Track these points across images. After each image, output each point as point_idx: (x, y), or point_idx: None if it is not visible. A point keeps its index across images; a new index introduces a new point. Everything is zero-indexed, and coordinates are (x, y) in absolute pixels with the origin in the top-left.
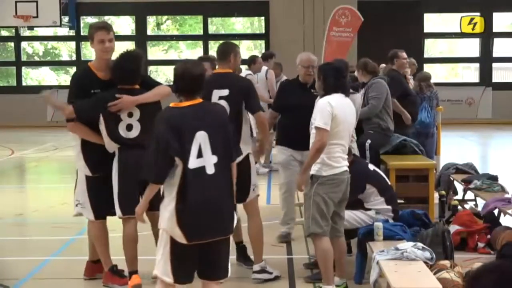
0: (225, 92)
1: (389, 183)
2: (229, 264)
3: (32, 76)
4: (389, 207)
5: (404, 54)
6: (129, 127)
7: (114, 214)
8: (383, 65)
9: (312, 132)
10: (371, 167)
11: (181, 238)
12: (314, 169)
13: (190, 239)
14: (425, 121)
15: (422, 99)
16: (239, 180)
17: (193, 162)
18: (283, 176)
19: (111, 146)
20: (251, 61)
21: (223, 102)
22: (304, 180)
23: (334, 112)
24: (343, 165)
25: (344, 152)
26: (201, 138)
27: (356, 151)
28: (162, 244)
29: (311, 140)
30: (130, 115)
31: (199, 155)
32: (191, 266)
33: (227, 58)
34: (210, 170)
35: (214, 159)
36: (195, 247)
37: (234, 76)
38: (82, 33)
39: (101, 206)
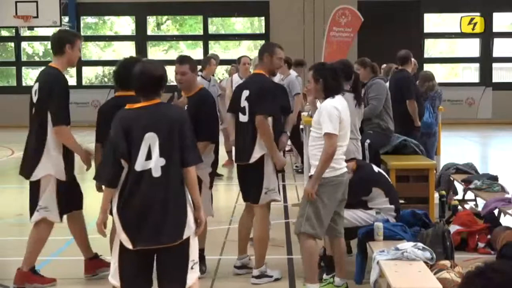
0: (247, 93)
1: (391, 182)
2: (191, 274)
3: (32, 76)
4: (392, 206)
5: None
6: None
7: (71, 211)
8: (384, 65)
9: (316, 136)
10: (376, 169)
11: (127, 243)
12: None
13: (135, 244)
14: (427, 121)
15: (424, 99)
16: (250, 181)
17: (140, 164)
18: None
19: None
20: (206, 63)
21: (245, 103)
22: (315, 189)
23: (341, 116)
24: (344, 166)
25: (344, 153)
26: (150, 139)
27: (359, 150)
28: (114, 246)
29: (311, 143)
30: None
31: (148, 157)
32: (140, 272)
33: (261, 59)
34: (156, 172)
35: (162, 161)
36: (144, 253)
37: (257, 78)
38: (82, 33)
39: (65, 208)
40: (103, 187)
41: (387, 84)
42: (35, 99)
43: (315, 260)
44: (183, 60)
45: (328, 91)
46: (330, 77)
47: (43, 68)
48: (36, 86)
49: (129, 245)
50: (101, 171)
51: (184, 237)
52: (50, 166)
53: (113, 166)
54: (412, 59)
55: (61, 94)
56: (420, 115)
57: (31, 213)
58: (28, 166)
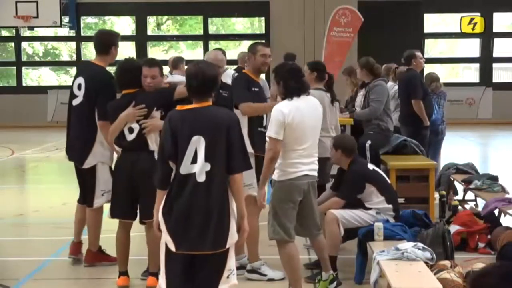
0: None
1: (389, 182)
2: (220, 284)
3: (32, 77)
4: (390, 206)
5: (420, 54)
6: (131, 130)
7: None
8: (384, 65)
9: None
10: (371, 166)
11: (170, 244)
12: (274, 175)
13: (177, 248)
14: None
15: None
16: None
17: (185, 168)
18: None
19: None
20: (179, 62)
21: None
22: (263, 193)
23: (288, 120)
24: (301, 169)
25: (304, 157)
26: (196, 142)
27: (328, 149)
28: (161, 247)
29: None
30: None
31: (193, 161)
32: (183, 274)
33: (248, 59)
34: (201, 177)
35: (207, 166)
36: (185, 258)
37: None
38: (82, 34)
39: None
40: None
41: (389, 84)
42: (79, 93)
43: (296, 265)
44: (152, 63)
45: (286, 93)
46: (289, 78)
47: (43, 68)
48: (80, 81)
49: (172, 247)
50: (155, 173)
51: (227, 246)
52: (102, 154)
53: (163, 168)
54: (417, 54)
55: (110, 93)
56: (428, 115)
57: (91, 198)
58: (79, 154)
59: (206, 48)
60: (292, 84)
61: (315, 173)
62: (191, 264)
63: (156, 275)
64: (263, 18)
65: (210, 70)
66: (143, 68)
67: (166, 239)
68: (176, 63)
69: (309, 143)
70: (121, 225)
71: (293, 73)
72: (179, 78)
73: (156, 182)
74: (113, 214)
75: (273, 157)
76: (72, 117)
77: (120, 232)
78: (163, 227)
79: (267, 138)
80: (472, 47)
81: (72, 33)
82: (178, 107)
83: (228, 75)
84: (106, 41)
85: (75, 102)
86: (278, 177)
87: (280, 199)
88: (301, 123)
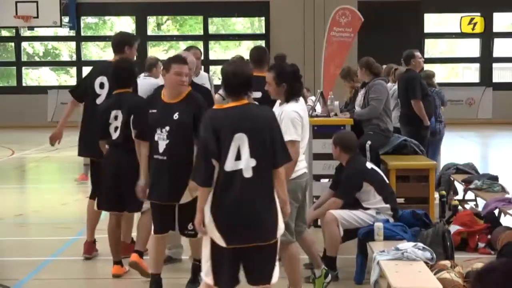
0: (258, 94)
1: (387, 181)
2: (276, 269)
3: (32, 77)
4: (388, 205)
5: (419, 54)
6: (116, 129)
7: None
8: (385, 65)
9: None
10: (369, 165)
11: (220, 241)
12: None
13: (229, 243)
14: None
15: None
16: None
17: (230, 165)
18: None
19: (102, 145)
20: (152, 65)
21: None
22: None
23: (303, 121)
24: (302, 168)
25: (303, 154)
26: (239, 140)
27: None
28: (204, 245)
29: None
30: (116, 118)
31: (237, 157)
32: (232, 269)
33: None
34: (248, 173)
35: (253, 162)
36: (235, 251)
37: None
38: (82, 34)
39: None
40: (198, 187)
41: (389, 84)
42: (102, 91)
43: (297, 267)
44: (184, 59)
45: (291, 95)
46: (294, 80)
47: (43, 68)
48: (103, 80)
49: (222, 243)
50: (196, 171)
51: (277, 236)
52: None
53: (206, 166)
54: (416, 54)
55: (134, 89)
56: (428, 115)
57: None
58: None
59: (206, 48)
60: (297, 86)
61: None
62: (242, 258)
63: (140, 253)
64: (263, 18)
65: (248, 69)
66: (173, 65)
67: (213, 236)
68: (150, 66)
69: (305, 141)
70: (111, 217)
71: (296, 75)
72: (151, 82)
73: (199, 180)
74: (99, 206)
75: (297, 160)
76: (95, 115)
77: (111, 224)
78: (211, 224)
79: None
80: (472, 47)
81: (72, 33)
82: (217, 106)
83: (203, 77)
84: (120, 41)
85: (99, 100)
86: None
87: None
88: (307, 124)
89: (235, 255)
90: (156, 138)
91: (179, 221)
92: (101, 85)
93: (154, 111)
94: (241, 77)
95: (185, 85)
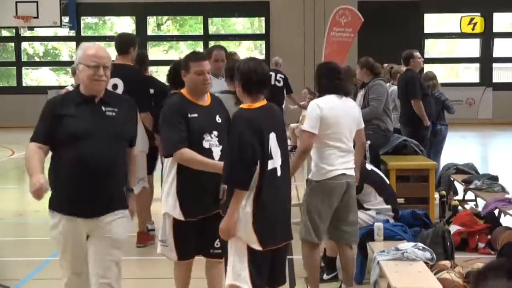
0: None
1: (388, 182)
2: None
3: (32, 77)
4: (389, 206)
5: (419, 54)
6: None
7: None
8: (385, 65)
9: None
10: (369, 166)
11: (255, 244)
12: (310, 174)
13: (264, 245)
14: None
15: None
16: None
17: (269, 164)
18: None
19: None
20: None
21: None
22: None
23: (323, 113)
24: (339, 168)
25: (341, 156)
26: (272, 139)
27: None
28: (237, 252)
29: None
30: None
31: (271, 157)
32: (266, 273)
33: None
34: (279, 172)
35: (281, 161)
36: (269, 253)
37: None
38: (82, 34)
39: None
40: (236, 190)
41: (389, 84)
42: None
43: (316, 269)
44: (204, 56)
45: (320, 90)
46: (323, 76)
47: (43, 68)
48: (115, 81)
49: (257, 247)
50: (235, 175)
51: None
52: (141, 142)
53: (251, 169)
54: (416, 54)
55: (146, 86)
56: (428, 115)
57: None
58: None
59: (206, 48)
60: (324, 82)
61: (353, 173)
62: (274, 259)
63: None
64: (263, 18)
65: (265, 66)
66: (192, 64)
67: (249, 240)
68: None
69: (345, 141)
70: None
71: (328, 72)
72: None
73: (242, 184)
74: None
75: (305, 150)
76: None
77: None
78: (249, 227)
79: (298, 132)
80: (472, 47)
81: (72, 33)
82: (247, 106)
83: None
84: (127, 42)
85: None
86: (315, 176)
87: (316, 200)
88: (336, 120)
89: (269, 258)
90: (207, 146)
91: (203, 238)
92: (114, 87)
93: (195, 115)
94: (263, 74)
95: (209, 83)
